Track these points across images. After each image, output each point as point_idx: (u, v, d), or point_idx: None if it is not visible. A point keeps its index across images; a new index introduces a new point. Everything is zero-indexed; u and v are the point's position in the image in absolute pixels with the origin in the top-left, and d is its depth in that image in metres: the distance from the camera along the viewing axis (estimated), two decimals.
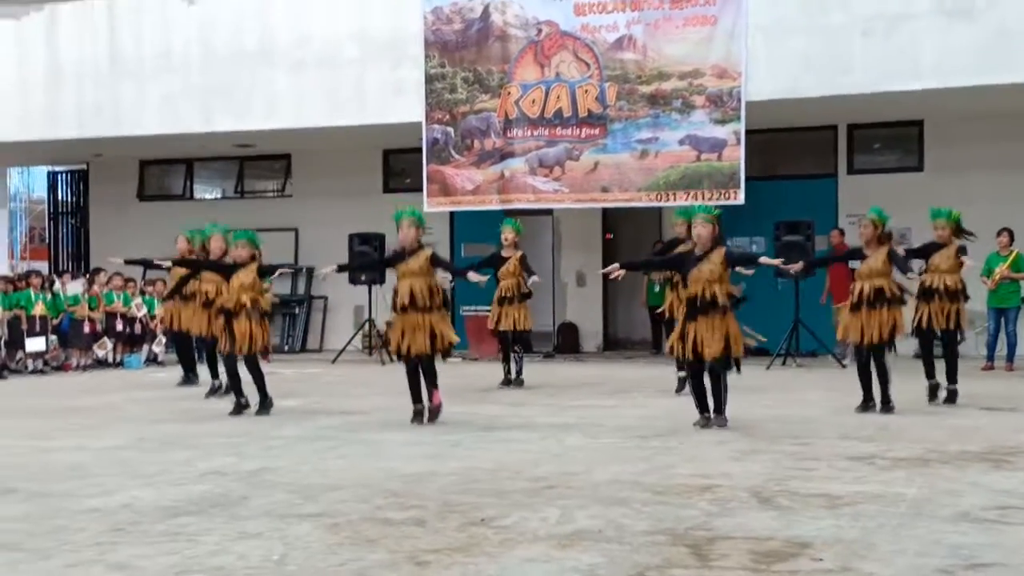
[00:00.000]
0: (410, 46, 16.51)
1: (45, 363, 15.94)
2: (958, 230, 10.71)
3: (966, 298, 10.77)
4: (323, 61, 16.94)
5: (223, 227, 10.90)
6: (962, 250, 10.70)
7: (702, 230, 9.08)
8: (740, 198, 14.99)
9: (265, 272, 10.52)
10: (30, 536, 5.45)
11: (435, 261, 9.68)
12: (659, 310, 12.21)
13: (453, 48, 16.45)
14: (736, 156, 15.06)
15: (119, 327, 16.64)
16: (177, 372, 13.67)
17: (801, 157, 18.09)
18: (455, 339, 9.70)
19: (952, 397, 10.66)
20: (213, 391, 12.04)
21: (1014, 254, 14.32)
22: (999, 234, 14.42)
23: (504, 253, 12.91)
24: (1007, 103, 15.27)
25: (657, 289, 17.60)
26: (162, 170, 21.82)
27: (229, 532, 5.50)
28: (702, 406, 9.21)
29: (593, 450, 8.06)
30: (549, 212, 17.63)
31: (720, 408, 9.18)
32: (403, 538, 5.33)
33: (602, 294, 18.88)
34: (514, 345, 13.10)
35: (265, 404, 10.40)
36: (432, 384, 9.65)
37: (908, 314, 10.46)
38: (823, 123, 17.25)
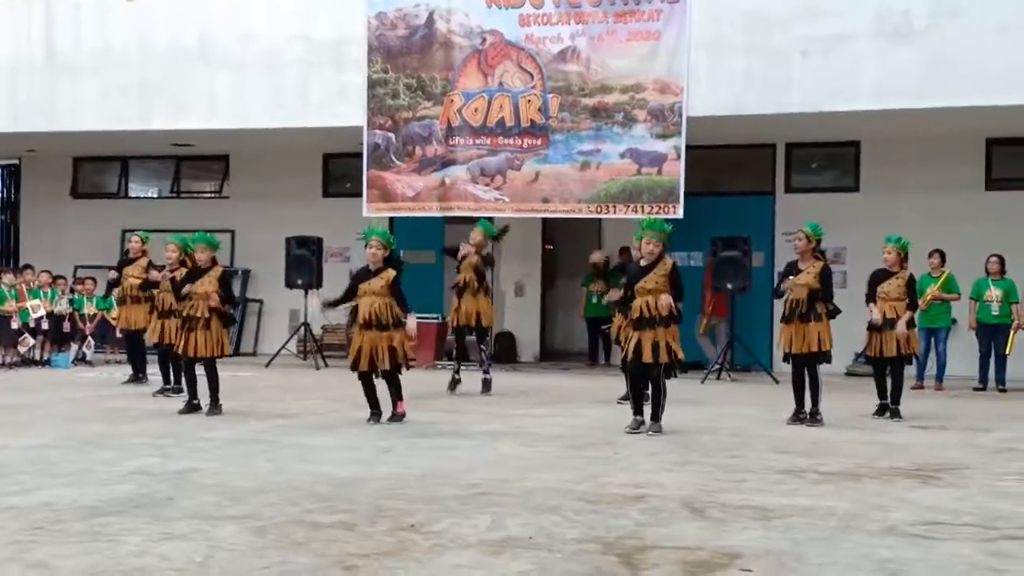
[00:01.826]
0: (353, 50, 16.41)
1: None
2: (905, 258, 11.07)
3: (914, 324, 11.10)
4: (265, 62, 16.77)
5: (208, 237, 10.80)
6: (910, 282, 11.01)
7: (654, 248, 9.33)
8: (679, 213, 15.06)
9: (229, 291, 10.70)
10: None
11: (393, 288, 9.86)
12: (606, 327, 12.27)
13: (396, 54, 16.37)
14: (676, 171, 15.14)
15: (45, 325, 16.29)
16: (108, 372, 13.45)
17: (740, 174, 18.23)
18: (402, 360, 9.91)
19: (896, 415, 10.91)
20: (163, 391, 12.04)
21: (945, 275, 14.53)
22: (931, 255, 14.61)
23: (463, 248, 12.88)
24: (943, 126, 15.52)
25: (595, 300, 17.70)
26: (97, 167, 21.45)
27: (152, 533, 5.38)
28: (638, 407, 9.39)
29: (527, 458, 8.03)
30: (490, 220, 17.59)
31: (656, 415, 9.33)
32: (331, 542, 5.25)
33: (540, 304, 18.89)
34: (480, 342, 13.01)
35: (216, 407, 10.39)
36: (397, 396, 9.98)
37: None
38: (762, 141, 17.41)
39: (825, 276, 10.30)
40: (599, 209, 15.66)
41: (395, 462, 7.73)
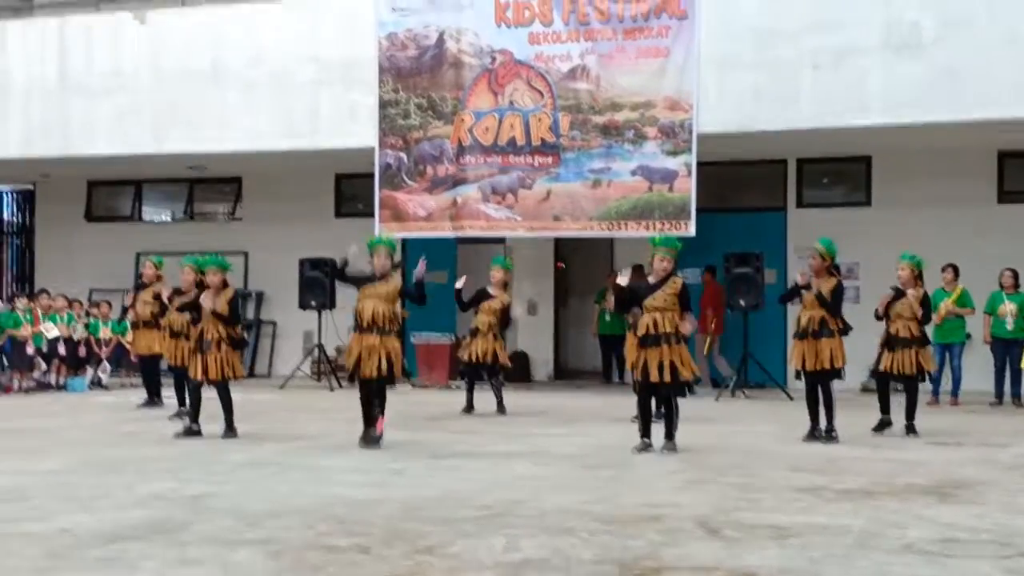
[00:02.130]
0: (364, 71, 16.46)
1: None
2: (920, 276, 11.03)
3: (928, 342, 11.11)
4: (276, 84, 16.85)
5: (219, 260, 10.80)
6: (925, 298, 10.98)
7: (668, 265, 9.36)
8: (691, 229, 15.06)
9: (237, 315, 10.68)
10: None
11: (403, 292, 9.92)
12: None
13: (407, 74, 16.42)
14: (687, 187, 15.14)
15: (60, 349, 16.35)
16: (124, 396, 13.47)
17: (751, 190, 18.23)
18: (399, 372, 9.90)
19: (911, 431, 10.89)
20: (178, 414, 12.00)
21: (959, 290, 14.50)
22: (944, 270, 14.58)
23: (491, 291, 13.14)
24: (954, 139, 15.51)
25: (608, 318, 17.70)
26: (110, 191, 21.55)
27: (169, 558, 5.39)
28: (645, 430, 9.36)
29: (541, 479, 8.03)
30: (501, 240, 17.61)
31: (670, 434, 9.32)
32: (347, 565, 5.26)
33: (553, 323, 18.88)
34: (491, 378, 13.23)
35: (231, 431, 10.41)
36: (380, 409, 9.77)
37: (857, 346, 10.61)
38: (773, 157, 17.41)
39: (836, 293, 10.27)
40: (611, 227, 15.66)
41: (410, 484, 7.73)
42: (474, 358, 12.95)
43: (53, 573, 5.10)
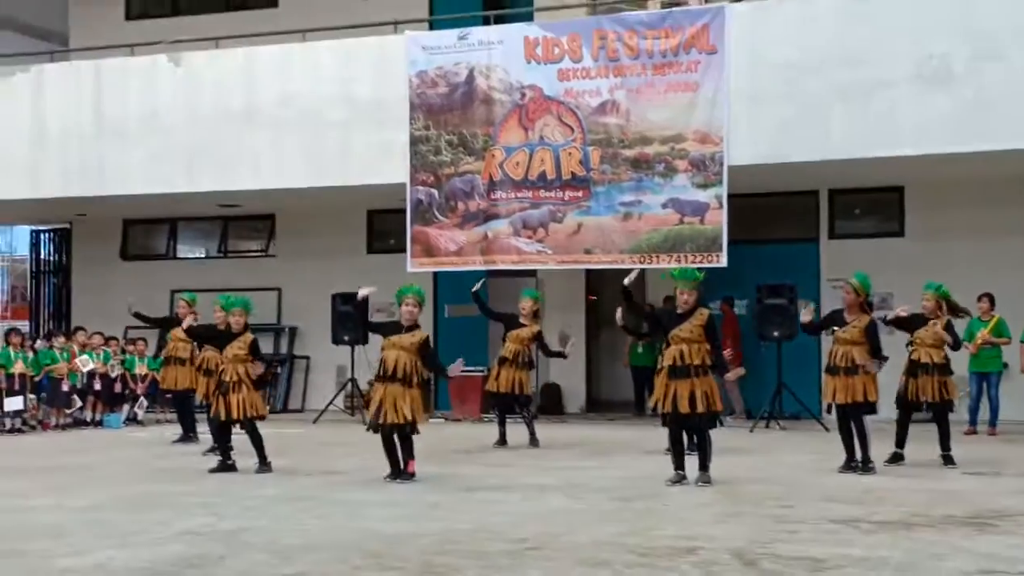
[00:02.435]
0: (395, 108, 16.61)
1: (24, 422, 15.78)
2: (950, 307, 10.95)
3: (951, 371, 10.97)
4: (308, 122, 17.02)
5: (242, 300, 10.87)
6: (948, 327, 10.90)
7: (689, 297, 9.30)
8: (723, 261, 15.05)
9: (259, 356, 10.66)
10: None
11: (424, 348, 9.81)
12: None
13: (438, 111, 16.56)
14: (718, 220, 15.15)
15: (97, 386, 16.49)
16: (159, 431, 13.55)
17: (783, 221, 18.20)
18: (423, 419, 9.84)
19: (948, 461, 10.80)
20: (213, 450, 12.02)
21: (995, 319, 14.40)
22: (980, 299, 14.49)
23: (522, 320, 13.23)
24: (986, 170, 15.44)
25: (640, 350, 17.67)
26: (145, 229, 21.79)
27: None
28: (679, 462, 9.32)
29: (575, 511, 8.00)
30: (532, 273, 17.64)
31: (704, 465, 9.29)
32: None
33: (585, 355, 18.84)
34: (522, 410, 13.34)
35: (265, 465, 10.47)
36: (408, 455, 9.80)
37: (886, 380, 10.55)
38: (805, 188, 17.38)
39: (871, 331, 10.19)
40: (642, 259, 15.64)
41: (444, 517, 7.73)
42: (501, 389, 12.98)
43: None
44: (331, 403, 17.50)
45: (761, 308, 15.56)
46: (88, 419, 16.50)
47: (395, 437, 9.70)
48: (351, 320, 17.04)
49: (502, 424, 13.12)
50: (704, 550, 6.40)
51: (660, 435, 11.26)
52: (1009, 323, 14.45)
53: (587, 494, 8.86)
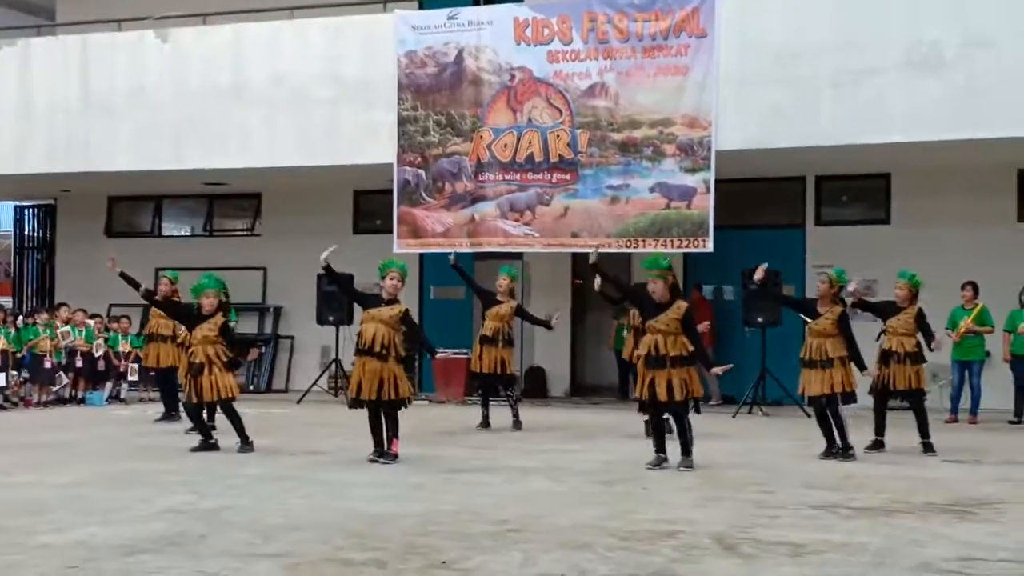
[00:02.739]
0: (383, 88, 16.55)
1: (5, 398, 15.72)
2: (919, 325, 10.94)
3: (923, 360, 10.98)
4: (296, 101, 16.94)
5: (213, 281, 10.78)
6: (920, 315, 10.91)
7: (653, 287, 9.33)
8: (709, 246, 15.07)
9: (230, 338, 10.61)
10: None
11: (406, 319, 9.74)
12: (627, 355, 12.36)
13: (426, 91, 16.49)
14: (705, 205, 15.14)
15: (79, 363, 16.43)
16: (142, 410, 13.52)
17: (770, 207, 18.21)
18: (408, 393, 9.77)
19: (928, 449, 10.84)
20: (193, 428, 12.01)
21: (978, 308, 14.43)
22: (963, 288, 14.53)
23: (499, 298, 13.14)
24: (974, 157, 15.46)
25: (626, 334, 17.67)
26: (130, 207, 21.69)
27: (186, 571, 5.41)
28: (659, 444, 9.44)
29: (557, 494, 8.02)
30: (519, 256, 17.63)
31: (687, 450, 9.31)
32: None
33: (570, 339, 18.85)
34: (506, 390, 13.37)
35: (247, 445, 10.44)
36: (393, 432, 9.73)
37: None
38: (792, 174, 17.39)
39: (842, 322, 10.22)
40: (628, 243, 15.67)
41: (426, 499, 7.74)
42: (484, 369, 12.95)
43: None
44: (315, 383, 17.47)
45: (746, 293, 15.58)
46: (70, 396, 16.45)
47: (380, 414, 9.64)
48: (336, 300, 17.04)
49: (485, 406, 13.11)
50: (684, 534, 6.42)
51: (643, 420, 11.28)
52: (993, 312, 14.49)
53: (569, 477, 8.88)
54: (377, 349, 9.51)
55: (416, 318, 13.62)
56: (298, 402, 16.70)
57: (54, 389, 16.23)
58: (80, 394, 16.56)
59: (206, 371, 10.29)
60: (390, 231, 16.78)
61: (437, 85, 16.43)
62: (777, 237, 17.48)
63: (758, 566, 5.62)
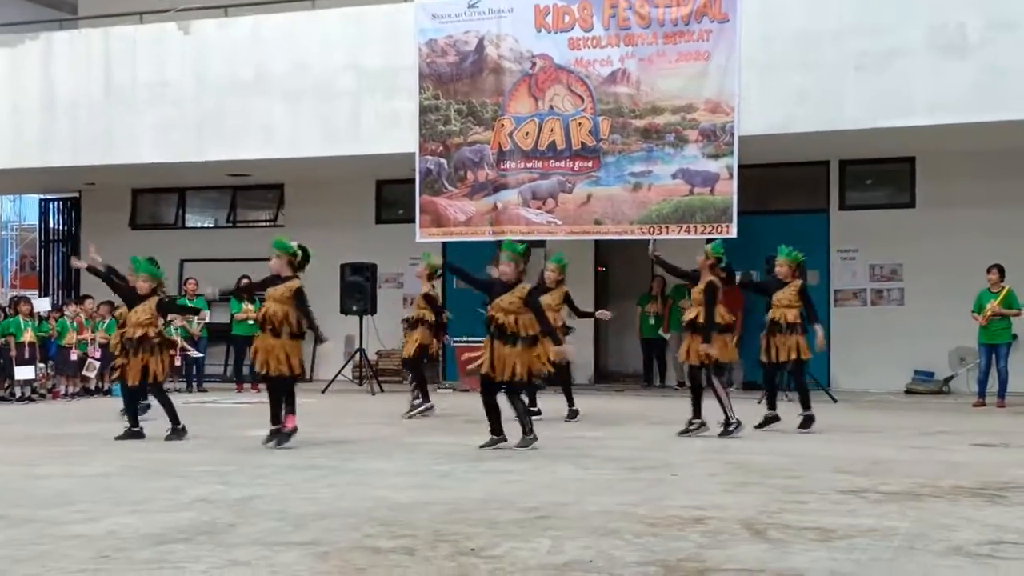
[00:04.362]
0: (404, 78, 16.54)
1: (33, 390, 15.85)
2: (800, 271, 11.44)
3: (804, 331, 11.19)
4: (318, 92, 16.97)
5: (150, 268, 10.96)
6: (803, 290, 11.24)
7: (505, 268, 9.87)
8: (732, 232, 15.01)
9: (166, 309, 10.92)
10: (14, 563, 5.38)
11: (295, 298, 10.16)
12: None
13: (447, 80, 16.49)
14: (728, 190, 15.09)
15: (98, 355, 16.52)
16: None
17: (793, 192, 18.14)
18: (296, 369, 10.07)
19: (807, 423, 11.07)
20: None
21: (1005, 290, 14.35)
22: (989, 271, 14.45)
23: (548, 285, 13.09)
24: (999, 140, 15.34)
25: (652, 321, 17.68)
26: (154, 199, 21.80)
27: (216, 560, 5.43)
28: (494, 427, 9.84)
29: (585, 481, 8.02)
30: (541, 244, 17.62)
31: (525, 429, 9.69)
32: (392, 567, 5.28)
33: (594, 326, 18.82)
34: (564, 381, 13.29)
35: (177, 431, 10.63)
36: (290, 408, 10.05)
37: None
38: (815, 159, 17.30)
39: (708, 293, 10.62)
40: (652, 230, 15.59)
41: (454, 486, 7.75)
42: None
43: (103, 574, 5.16)
44: (339, 373, 17.53)
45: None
46: (96, 388, 16.55)
47: (275, 390, 10.05)
48: (360, 290, 17.10)
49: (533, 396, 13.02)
50: (713, 520, 6.40)
51: (668, 407, 11.29)
52: (1019, 294, 14.39)
53: (596, 464, 8.88)
54: (270, 326, 9.96)
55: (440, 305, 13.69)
56: (323, 392, 16.75)
57: (90, 375, 16.30)
58: (106, 386, 16.65)
59: (134, 352, 10.42)
60: (412, 220, 16.80)
61: (458, 74, 16.41)
62: (801, 222, 17.39)
63: (787, 551, 5.61)
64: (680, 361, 11.04)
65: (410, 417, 12.79)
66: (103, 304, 17.05)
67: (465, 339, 16.89)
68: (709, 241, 12.11)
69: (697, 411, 10.70)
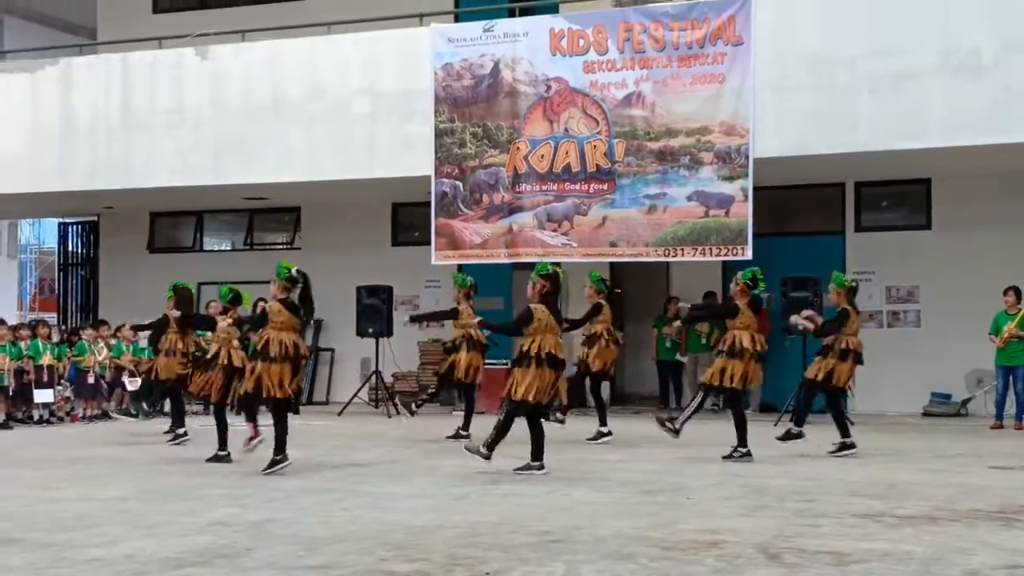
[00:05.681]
0: (420, 101, 16.63)
1: (51, 413, 15.92)
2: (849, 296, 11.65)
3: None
4: (334, 115, 17.06)
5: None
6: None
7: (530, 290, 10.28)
8: (748, 254, 14.99)
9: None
10: None
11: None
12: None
13: (463, 103, 16.56)
14: (744, 212, 15.10)
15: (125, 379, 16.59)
16: (187, 424, 13.48)
17: (809, 214, 18.12)
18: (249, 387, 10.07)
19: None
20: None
21: (1021, 312, 14.29)
22: (1006, 292, 14.40)
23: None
24: (1014, 161, 15.31)
25: (668, 344, 17.66)
26: (172, 222, 21.93)
27: None
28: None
29: (599, 504, 8.02)
30: (557, 266, 17.63)
31: (536, 455, 9.74)
32: None
33: None
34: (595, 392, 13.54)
35: (219, 456, 10.85)
36: (250, 417, 10.56)
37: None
38: (831, 180, 17.29)
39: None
40: (667, 252, 15.65)
41: (469, 510, 7.77)
42: (596, 368, 13.04)
43: None
44: (356, 395, 17.56)
45: (786, 301, 15.48)
46: (111, 412, 16.60)
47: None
48: (376, 312, 17.15)
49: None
50: (728, 543, 6.40)
51: (685, 429, 11.26)
52: None
53: (611, 487, 8.88)
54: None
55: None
56: (339, 414, 16.78)
57: (130, 389, 16.32)
58: (132, 409, 16.71)
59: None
60: (428, 243, 16.86)
61: (473, 97, 16.49)
62: (817, 244, 17.39)
63: (802, 575, 5.60)
64: (713, 383, 10.95)
65: (418, 406, 13.22)
66: (122, 327, 17.08)
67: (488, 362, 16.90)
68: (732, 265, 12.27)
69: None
